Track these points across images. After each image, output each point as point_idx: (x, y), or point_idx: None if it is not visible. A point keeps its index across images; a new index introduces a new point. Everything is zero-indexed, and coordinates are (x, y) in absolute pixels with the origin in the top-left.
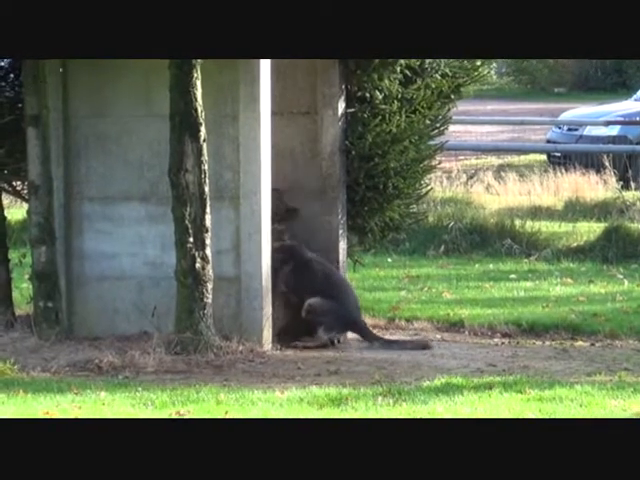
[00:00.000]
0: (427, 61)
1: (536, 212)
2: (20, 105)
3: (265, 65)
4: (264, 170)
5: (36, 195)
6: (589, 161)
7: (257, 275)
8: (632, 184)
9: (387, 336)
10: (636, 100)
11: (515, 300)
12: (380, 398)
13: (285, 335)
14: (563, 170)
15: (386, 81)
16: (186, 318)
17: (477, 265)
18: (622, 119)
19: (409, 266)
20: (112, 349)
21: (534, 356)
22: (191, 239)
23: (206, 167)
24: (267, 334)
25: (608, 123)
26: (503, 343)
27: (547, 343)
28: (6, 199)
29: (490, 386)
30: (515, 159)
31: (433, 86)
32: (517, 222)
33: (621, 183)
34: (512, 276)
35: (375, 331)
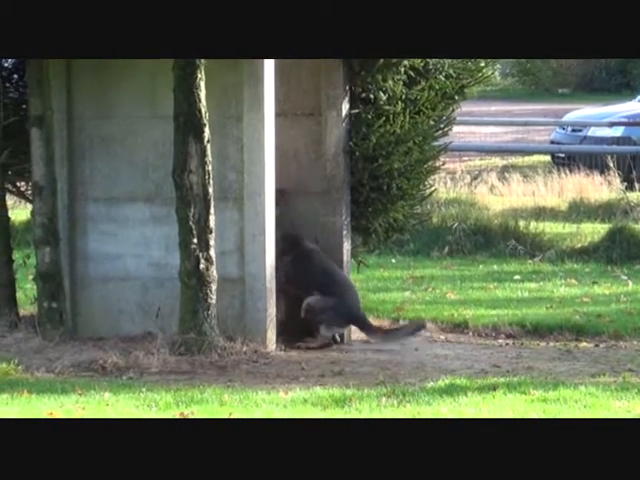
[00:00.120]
0: (431, 62)
1: (540, 213)
2: (24, 106)
3: (269, 66)
4: (268, 171)
5: (40, 196)
6: (593, 162)
7: (261, 276)
8: (636, 185)
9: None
10: None
11: (519, 301)
12: (384, 399)
13: (285, 328)
14: (567, 171)
15: (390, 82)
16: (190, 319)
17: (481, 266)
18: (626, 120)
19: (413, 267)
20: (116, 350)
21: (538, 357)
22: (195, 240)
23: (210, 168)
24: (271, 335)
25: (612, 124)
26: (507, 344)
27: (551, 344)
28: (10, 200)
29: (494, 387)
30: (519, 160)
31: (437, 87)
32: (521, 223)
33: (625, 184)
34: (516, 277)
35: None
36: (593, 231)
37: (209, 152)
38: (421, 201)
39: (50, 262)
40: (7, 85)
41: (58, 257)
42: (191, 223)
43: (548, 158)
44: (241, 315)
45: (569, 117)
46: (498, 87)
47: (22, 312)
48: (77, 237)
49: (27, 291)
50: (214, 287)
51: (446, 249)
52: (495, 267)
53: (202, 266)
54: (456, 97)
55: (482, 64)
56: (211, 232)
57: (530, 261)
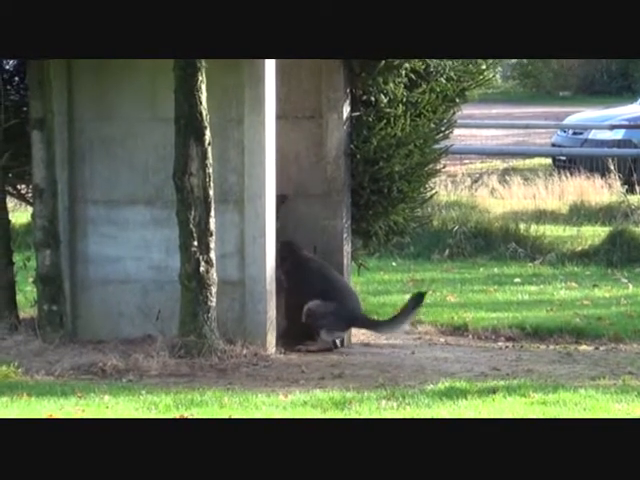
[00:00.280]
0: (432, 65)
1: (541, 216)
2: (25, 108)
3: (270, 68)
4: (269, 174)
5: (41, 198)
6: (594, 165)
7: (261, 279)
8: (637, 188)
9: (392, 340)
10: None
11: (519, 304)
12: (384, 402)
13: (286, 337)
14: (568, 174)
15: (391, 85)
16: (190, 321)
17: (481, 269)
18: (627, 123)
19: (413, 270)
20: (116, 352)
21: (538, 360)
22: (195, 243)
23: (211, 170)
24: (271, 338)
25: (613, 127)
26: (507, 347)
27: (551, 347)
28: (10, 202)
29: (494, 390)
30: (520, 163)
31: (438, 90)
32: (522, 226)
33: (626, 187)
34: (516, 280)
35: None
36: (594, 234)
37: (210, 154)
38: (422, 204)
39: (50, 265)
40: (8, 88)
41: (58, 260)
42: (191, 226)
43: (549, 161)
44: (241, 318)
45: (570, 120)
46: (499, 90)
47: (22, 315)
48: (77, 240)
49: (27, 294)
50: (214, 290)
51: (446, 252)
52: (495, 270)
53: (202, 269)
54: (457, 100)
55: (483, 67)
56: (211, 235)
57: (530, 264)
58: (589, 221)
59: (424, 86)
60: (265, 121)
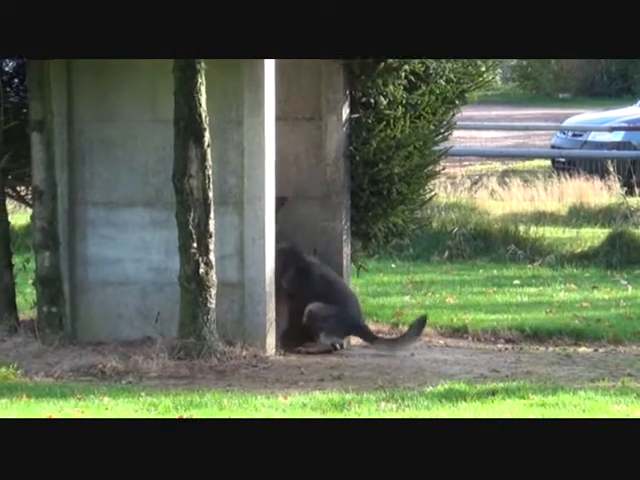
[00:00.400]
0: (432, 67)
1: (540, 218)
2: (24, 110)
3: (270, 70)
4: (268, 175)
5: (40, 200)
6: (593, 167)
7: (261, 280)
8: (636, 190)
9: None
10: None
11: (519, 306)
12: (383, 403)
13: (286, 339)
14: (567, 176)
15: (391, 87)
16: (190, 323)
17: (481, 271)
18: (626, 125)
19: (413, 272)
20: (115, 354)
21: (537, 362)
22: (195, 244)
23: (210, 172)
24: (270, 339)
25: (612, 129)
26: (506, 349)
27: (550, 349)
28: (10, 204)
29: (493, 392)
30: (519, 165)
31: (437, 92)
32: (521, 228)
33: (625, 189)
34: (516, 282)
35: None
36: (593, 236)
37: (209, 156)
38: (421, 206)
39: (50, 266)
40: (8, 89)
41: (58, 261)
42: (191, 227)
43: (548, 163)
44: (240, 319)
45: (570, 122)
46: (499, 92)
47: (22, 316)
48: (77, 241)
49: (27, 295)
50: (214, 291)
51: (446, 254)
52: (495, 272)
53: (202, 270)
54: (457, 102)
55: (483, 69)
56: (211, 236)
57: (530, 266)
58: (588, 223)
59: (424, 88)
60: (265, 123)
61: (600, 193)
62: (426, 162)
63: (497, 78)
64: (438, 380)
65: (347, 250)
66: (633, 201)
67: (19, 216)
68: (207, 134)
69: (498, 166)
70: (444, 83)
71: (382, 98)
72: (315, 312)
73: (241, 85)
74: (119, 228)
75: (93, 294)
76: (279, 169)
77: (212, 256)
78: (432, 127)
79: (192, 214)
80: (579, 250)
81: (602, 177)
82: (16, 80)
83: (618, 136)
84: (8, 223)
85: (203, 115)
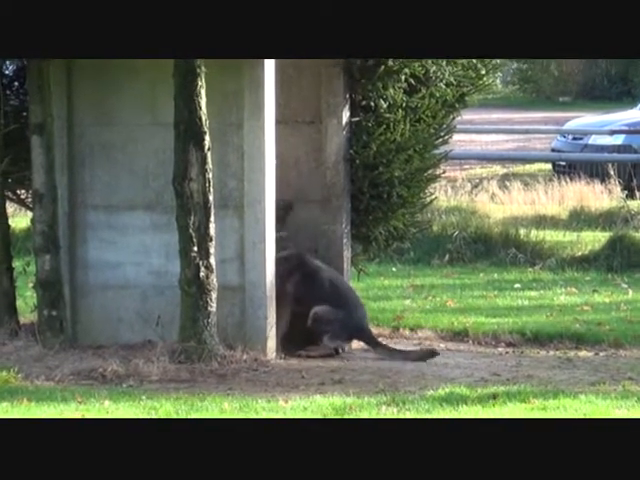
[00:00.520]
0: (432, 70)
1: (541, 221)
2: (25, 113)
3: (270, 73)
4: (268, 179)
5: (40, 204)
6: (594, 170)
7: (261, 284)
8: (637, 193)
9: (392, 346)
10: None
11: (519, 309)
12: (384, 407)
13: (287, 343)
14: (568, 179)
15: (391, 90)
16: (190, 327)
17: (481, 274)
18: (627, 128)
19: (413, 275)
20: (116, 358)
21: (538, 365)
22: (195, 248)
23: (210, 176)
24: (271, 343)
25: (613, 132)
26: (507, 352)
27: (551, 352)
28: (10, 207)
29: (494, 396)
30: (520, 168)
31: (438, 95)
32: (522, 231)
33: (626, 192)
34: (516, 285)
35: (379, 340)
36: (593, 239)
37: (209, 160)
38: (421, 209)
39: (50, 270)
40: (8, 92)
41: (58, 265)
42: (191, 231)
43: (549, 166)
44: (241, 323)
45: (570, 125)
46: (499, 95)
47: (22, 320)
48: (77, 245)
49: (27, 299)
50: (214, 295)
51: (446, 257)
52: (495, 275)
53: (202, 274)
54: (457, 105)
55: (483, 72)
56: (211, 240)
57: (530, 269)
58: (589, 226)
59: (424, 91)
60: (265, 126)
61: (601, 196)
62: (426, 165)
63: (497, 81)
64: (439, 384)
65: (347, 254)
66: (634, 204)
67: (19, 219)
68: (207, 137)
69: (498, 169)
70: (444, 86)
71: (382, 101)
72: (320, 315)
73: (241, 88)
74: (119, 231)
75: (93, 297)
76: (279, 172)
77: (212, 260)
78: (432, 130)
79: (192, 217)
80: (580, 254)
81: (602, 180)
82: (16, 83)
83: (618, 139)
84: (8, 226)
85: (203, 118)
